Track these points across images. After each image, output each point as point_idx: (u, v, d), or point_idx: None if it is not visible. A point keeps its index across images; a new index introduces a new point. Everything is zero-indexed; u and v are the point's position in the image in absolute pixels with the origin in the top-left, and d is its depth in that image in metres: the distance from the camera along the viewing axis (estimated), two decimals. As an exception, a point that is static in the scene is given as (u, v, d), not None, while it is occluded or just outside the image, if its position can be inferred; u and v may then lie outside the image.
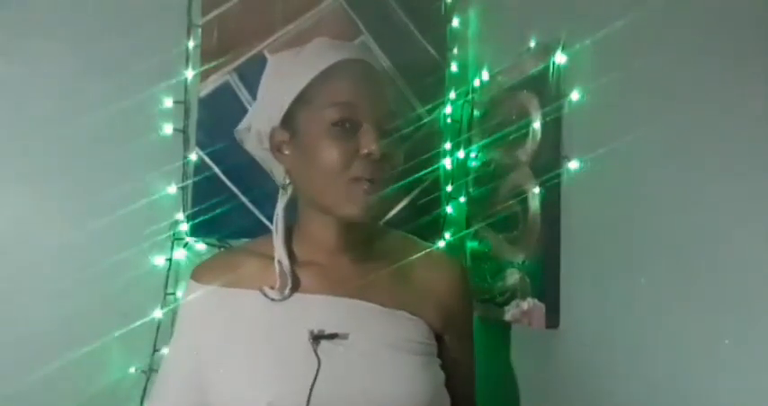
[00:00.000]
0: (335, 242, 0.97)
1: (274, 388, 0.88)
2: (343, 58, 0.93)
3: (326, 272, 0.96)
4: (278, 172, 1.01)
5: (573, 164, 1.00)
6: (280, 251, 0.96)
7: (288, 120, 0.95)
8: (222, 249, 1.29)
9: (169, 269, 1.30)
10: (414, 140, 1.30)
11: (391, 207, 1.03)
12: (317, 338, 0.89)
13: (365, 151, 0.89)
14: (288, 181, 0.99)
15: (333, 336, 0.90)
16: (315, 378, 0.87)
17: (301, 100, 0.93)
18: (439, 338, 1.00)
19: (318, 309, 0.93)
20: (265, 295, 0.93)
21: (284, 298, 0.93)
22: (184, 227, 1.31)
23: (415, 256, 1.02)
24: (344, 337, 0.91)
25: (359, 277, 0.96)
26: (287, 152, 0.96)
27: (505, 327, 1.17)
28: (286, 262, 0.95)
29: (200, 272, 1.00)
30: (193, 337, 0.96)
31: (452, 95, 1.42)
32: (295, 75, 0.94)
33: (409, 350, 0.93)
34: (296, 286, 0.95)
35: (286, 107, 0.94)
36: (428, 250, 1.06)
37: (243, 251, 1.02)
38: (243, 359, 0.91)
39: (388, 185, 0.92)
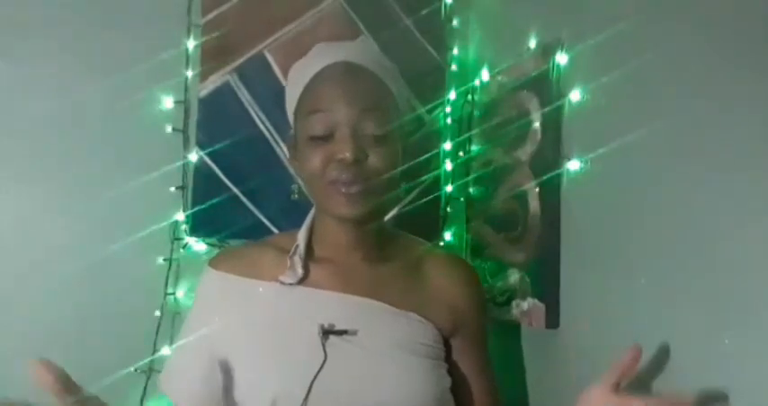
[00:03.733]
0: (346, 242, 0.98)
1: (280, 383, 0.88)
2: (329, 63, 0.94)
3: (340, 270, 0.97)
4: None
5: (573, 164, 1.00)
6: (302, 238, 0.98)
7: (294, 130, 0.99)
8: (223, 248, 1.29)
9: (169, 269, 1.30)
10: (413, 140, 1.30)
11: (387, 207, 1.02)
12: (326, 332, 0.90)
13: (339, 156, 0.90)
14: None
15: (342, 332, 0.91)
16: (318, 372, 0.88)
17: (296, 109, 0.97)
18: (448, 342, 1.00)
19: (330, 305, 0.94)
20: (280, 282, 0.94)
21: (297, 281, 0.94)
22: (184, 227, 1.31)
23: (428, 259, 1.03)
24: (353, 333, 0.92)
25: (371, 277, 0.98)
26: (296, 160, 0.99)
27: (505, 327, 1.17)
28: (302, 249, 0.97)
29: (218, 260, 1.02)
30: (207, 322, 0.96)
31: (452, 95, 1.42)
32: (294, 85, 0.97)
33: (416, 352, 0.94)
34: (306, 275, 0.96)
35: (292, 117, 0.99)
36: (442, 253, 1.07)
37: (261, 245, 1.03)
38: (252, 350, 0.92)
39: (372, 185, 0.91)
